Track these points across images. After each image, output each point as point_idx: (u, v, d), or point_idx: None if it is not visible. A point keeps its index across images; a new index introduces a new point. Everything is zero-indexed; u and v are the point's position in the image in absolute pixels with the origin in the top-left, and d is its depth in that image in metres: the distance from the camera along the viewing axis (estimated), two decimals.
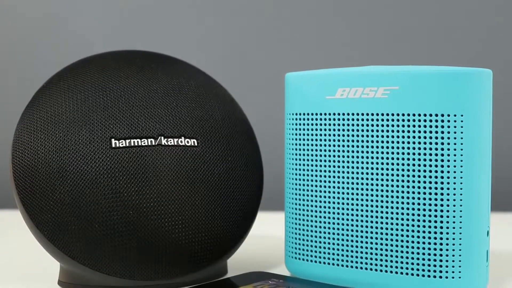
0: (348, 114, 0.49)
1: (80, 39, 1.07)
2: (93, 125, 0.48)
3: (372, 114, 0.48)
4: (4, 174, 0.57)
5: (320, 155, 0.51)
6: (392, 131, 0.47)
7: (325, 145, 0.50)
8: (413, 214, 0.47)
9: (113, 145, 0.48)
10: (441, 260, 0.46)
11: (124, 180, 0.47)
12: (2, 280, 0.54)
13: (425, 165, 0.46)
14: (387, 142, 0.48)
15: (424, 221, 0.47)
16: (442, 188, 0.46)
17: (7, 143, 0.53)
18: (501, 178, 0.90)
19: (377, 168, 0.48)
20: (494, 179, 0.51)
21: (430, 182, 0.46)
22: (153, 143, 0.49)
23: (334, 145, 0.50)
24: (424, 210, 0.46)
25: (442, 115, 0.46)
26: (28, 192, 0.48)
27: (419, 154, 0.46)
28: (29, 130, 0.49)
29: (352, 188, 0.49)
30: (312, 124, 0.51)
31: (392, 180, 0.48)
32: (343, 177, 0.50)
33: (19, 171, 0.48)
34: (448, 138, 0.46)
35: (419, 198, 0.47)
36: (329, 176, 0.50)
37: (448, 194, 0.46)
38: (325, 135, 0.50)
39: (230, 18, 1.07)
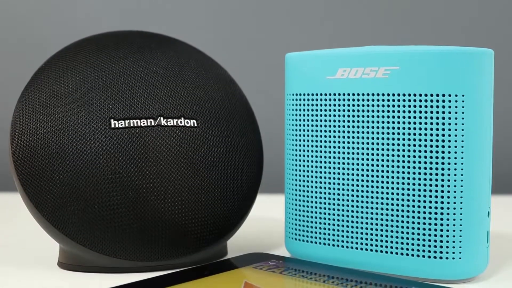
0: (349, 95, 0.49)
1: (79, 20, 1.06)
2: (92, 106, 0.48)
3: (373, 94, 0.48)
4: (4, 157, 0.57)
5: (321, 136, 0.51)
6: (393, 111, 0.47)
7: (325, 126, 0.50)
8: (413, 195, 0.47)
9: (112, 126, 0.48)
10: (441, 241, 0.46)
11: (123, 161, 0.47)
12: (1, 261, 0.54)
13: (425, 145, 0.46)
14: (388, 122, 0.47)
15: (424, 201, 0.46)
16: (443, 169, 0.46)
17: (6, 124, 0.52)
18: (503, 160, 0.90)
19: (377, 149, 0.48)
20: (497, 161, 0.51)
21: (431, 163, 0.46)
22: (153, 124, 0.49)
23: (334, 126, 0.50)
24: (425, 190, 0.46)
25: (443, 95, 0.45)
26: (27, 173, 0.48)
27: (420, 134, 0.46)
28: (28, 110, 0.49)
29: (353, 169, 0.49)
30: (312, 105, 0.51)
31: (393, 161, 0.47)
32: (343, 158, 0.49)
33: (18, 152, 0.48)
34: (449, 118, 0.45)
35: (419, 179, 0.46)
36: (330, 157, 0.50)
37: (449, 175, 0.46)
38: (325, 115, 0.50)
39: None
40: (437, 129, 0.46)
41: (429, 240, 0.46)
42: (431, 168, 0.46)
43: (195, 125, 0.50)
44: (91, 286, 0.45)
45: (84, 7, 1.07)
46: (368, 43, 0.55)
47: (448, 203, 0.46)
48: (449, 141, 0.46)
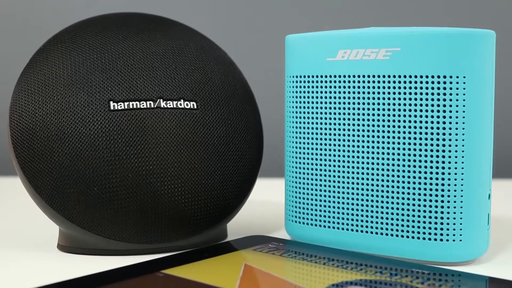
0: (349, 76, 0.49)
1: (79, 2, 1.06)
2: (91, 88, 0.48)
3: (374, 76, 0.48)
4: (3, 140, 0.57)
5: (321, 118, 0.50)
6: (394, 93, 0.47)
7: (325, 108, 0.50)
8: (414, 177, 0.47)
9: (112, 108, 0.48)
10: (442, 223, 0.46)
11: (123, 143, 0.47)
12: (1, 244, 0.54)
13: (426, 127, 0.46)
14: (388, 104, 0.47)
15: (425, 183, 0.46)
16: (443, 151, 0.46)
17: (5, 106, 0.52)
18: (505, 144, 0.90)
19: (378, 131, 0.48)
20: (498, 146, 0.51)
21: (432, 145, 0.46)
22: (152, 106, 0.48)
23: (334, 108, 0.50)
24: (425, 172, 0.46)
25: (444, 77, 0.45)
26: (27, 156, 0.48)
27: (421, 116, 0.46)
28: (27, 93, 0.49)
29: (353, 151, 0.49)
30: (312, 87, 0.51)
31: (393, 143, 0.47)
32: (344, 140, 0.49)
33: (17, 134, 0.48)
34: (450, 100, 0.45)
35: (420, 161, 0.46)
36: (330, 139, 0.50)
37: (449, 157, 0.46)
38: (325, 97, 0.50)
39: None
40: (438, 111, 0.45)
41: (430, 223, 0.46)
42: (431, 150, 0.46)
43: (195, 107, 0.50)
44: (90, 268, 0.45)
45: None
46: (369, 24, 0.54)
47: (449, 185, 0.46)
48: (450, 123, 0.45)
